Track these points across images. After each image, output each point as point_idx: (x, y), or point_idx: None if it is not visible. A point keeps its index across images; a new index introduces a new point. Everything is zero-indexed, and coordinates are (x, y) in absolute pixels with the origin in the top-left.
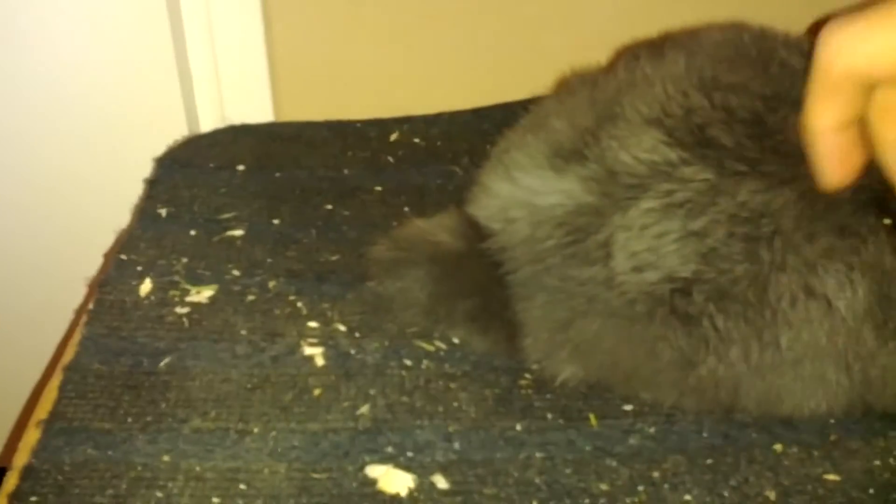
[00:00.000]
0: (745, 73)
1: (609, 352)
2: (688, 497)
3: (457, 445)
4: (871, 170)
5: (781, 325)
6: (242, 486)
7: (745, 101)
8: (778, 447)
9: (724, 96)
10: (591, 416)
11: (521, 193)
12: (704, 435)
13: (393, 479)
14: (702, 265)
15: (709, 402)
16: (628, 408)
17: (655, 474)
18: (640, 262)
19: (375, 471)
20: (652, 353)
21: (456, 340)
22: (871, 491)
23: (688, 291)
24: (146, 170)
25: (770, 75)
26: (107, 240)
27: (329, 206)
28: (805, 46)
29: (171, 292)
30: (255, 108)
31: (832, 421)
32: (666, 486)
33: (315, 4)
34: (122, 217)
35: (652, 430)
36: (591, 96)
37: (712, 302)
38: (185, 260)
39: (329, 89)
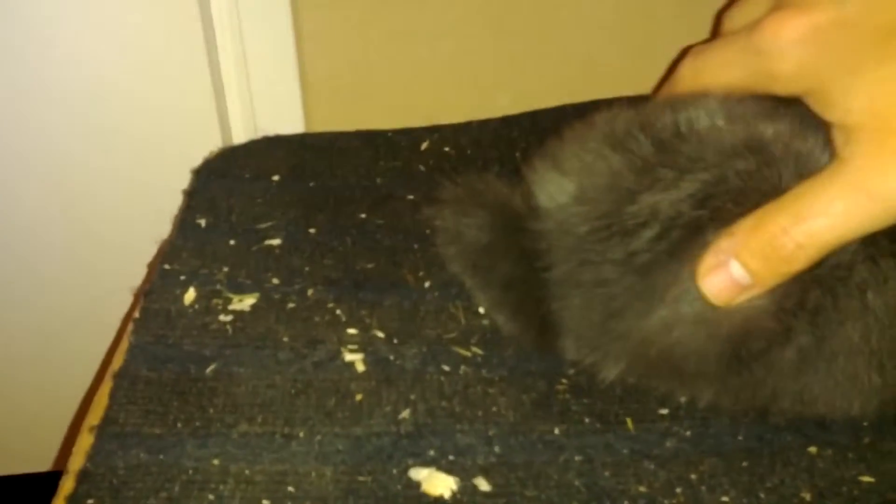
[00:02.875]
0: None
1: (658, 343)
2: (725, 499)
3: (497, 449)
4: None
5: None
6: (291, 489)
7: None
8: (812, 449)
9: None
10: (628, 420)
11: (564, 180)
12: (740, 438)
13: (436, 481)
14: None
15: (744, 402)
16: (664, 411)
17: (693, 476)
18: None
19: (419, 474)
20: (700, 349)
21: (481, 310)
22: None
23: None
24: (183, 181)
25: None
26: (149, 250)
27: (363, 215)
28: None
29: (214, 300)
30: (286, 120)
31: (865, 423)
32: (703, 487)
33: (344, 18)
34: (162, 228)
35: (688, 433)
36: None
37: None
38: (226, 269)
39: (358, 100)
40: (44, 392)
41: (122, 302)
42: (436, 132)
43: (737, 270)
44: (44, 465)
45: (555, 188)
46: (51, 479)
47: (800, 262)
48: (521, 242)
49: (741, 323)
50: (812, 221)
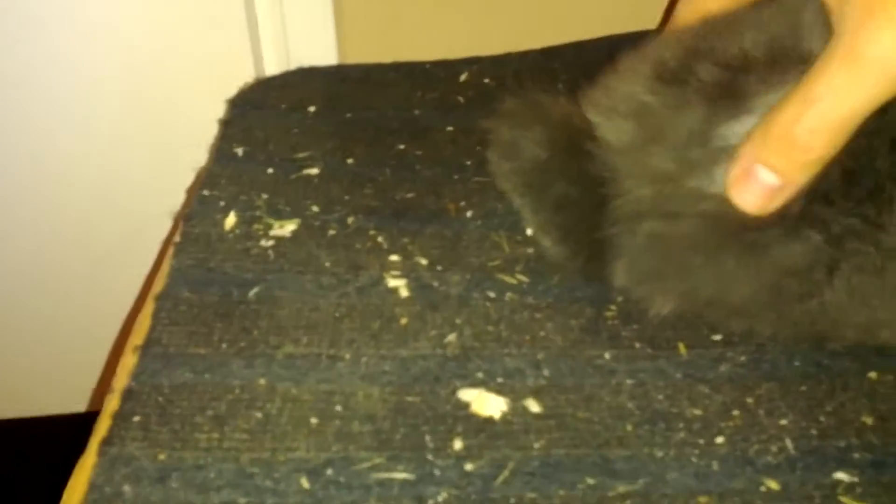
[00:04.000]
0: None
1: (719, 283)
2: (783, 421)
3: (546, 372)
4: None
5: (890, 250)
6: (339, 408)
7: None
8: (873, 375)
9: None
10: (681, 345)
11: (627, 108)
12: (797, 363)
13: (486, 402)
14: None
15: (804, 333)
16: (717, 337)
17: (749, 400)
18: None
19: (468, 394)
20: (763, 285)
21: (528, 233)
22: None
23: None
24: (219, 111)
25: None
26: (187, 177)
27: (401, 146)
28: None
29: (255, 226)
30: (321, 51)
31: None
32: (761, 410)
33: None
34: (199, 156)
35: (743, 358)
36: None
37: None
38: (265, 196)
39: (394, 31)
40: (79, 330)
41: (160, 228)
42: (475, 64)
43: (763, 174)
44: (79, 405)
45: (616, 128)
46: (86, 420)
47: (819, 147)
48: (582, 164)
49: (782, 263)
50: (818, 104)
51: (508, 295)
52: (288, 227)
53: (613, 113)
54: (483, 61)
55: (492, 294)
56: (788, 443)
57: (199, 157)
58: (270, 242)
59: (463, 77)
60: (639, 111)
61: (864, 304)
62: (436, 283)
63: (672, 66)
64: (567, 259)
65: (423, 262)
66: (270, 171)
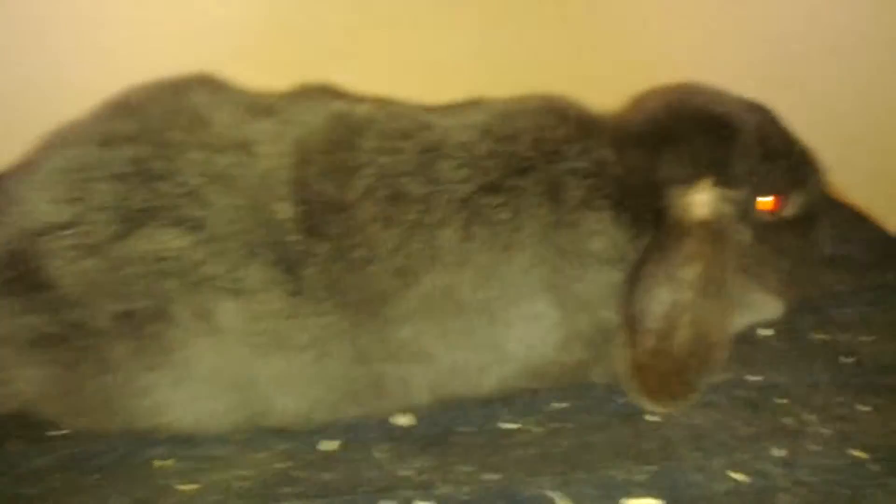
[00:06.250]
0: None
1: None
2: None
3: None
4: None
5: (173, 347)
6: None
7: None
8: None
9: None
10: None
11: None
12: (111, 451)
13: None
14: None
15: (99, 422)
16: (54, 433)
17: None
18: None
19: None
20: (59, 378)
21: None
22: (222, 497)
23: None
24: None
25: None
26: None
27: None
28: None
29: None
30: None
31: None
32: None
33: None
34: None
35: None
36: None
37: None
38: None
39: None
40: None
41: None
42: None
43: None
44: None
45: None
46: None
47: None
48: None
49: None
50: None
51: None
52: None
53: None
54: None
55: None
56: None
57: None
58: None
59: None
60: None
61: (145, 393)
62: None
63: None
64: None
65: None
66: None
